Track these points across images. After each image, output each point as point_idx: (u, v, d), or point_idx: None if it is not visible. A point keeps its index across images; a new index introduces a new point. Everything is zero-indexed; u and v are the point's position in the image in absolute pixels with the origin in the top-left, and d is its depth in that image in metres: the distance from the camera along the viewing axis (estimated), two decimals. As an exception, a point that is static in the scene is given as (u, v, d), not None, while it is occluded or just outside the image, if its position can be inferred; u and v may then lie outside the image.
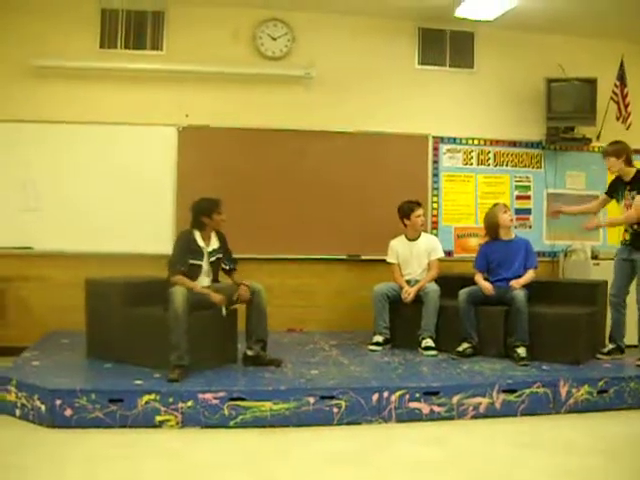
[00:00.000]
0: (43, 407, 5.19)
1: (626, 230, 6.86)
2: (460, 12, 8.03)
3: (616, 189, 6.91)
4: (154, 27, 8.09)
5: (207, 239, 6.31)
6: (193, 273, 6.12)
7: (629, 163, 6.77)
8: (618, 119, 8.62)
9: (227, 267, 6.47)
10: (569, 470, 4.58)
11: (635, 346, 6.88)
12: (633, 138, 8.48)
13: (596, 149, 8.84)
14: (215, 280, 6.39)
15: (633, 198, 6.61)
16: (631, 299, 6.85)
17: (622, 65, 8.58)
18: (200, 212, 6.27)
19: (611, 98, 8.64)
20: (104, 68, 7.94)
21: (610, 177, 7.22)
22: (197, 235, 6.27)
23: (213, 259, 6.31)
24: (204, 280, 6.23)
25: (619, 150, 6.78)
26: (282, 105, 8.32)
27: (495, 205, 7.41)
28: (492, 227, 7.30)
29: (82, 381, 5.67)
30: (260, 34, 8.26)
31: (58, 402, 5.14)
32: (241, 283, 6.24)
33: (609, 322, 7.03)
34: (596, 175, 8.69)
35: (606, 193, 7.07)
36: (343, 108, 8.46)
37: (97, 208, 7.90)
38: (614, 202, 7.02)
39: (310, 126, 8.34)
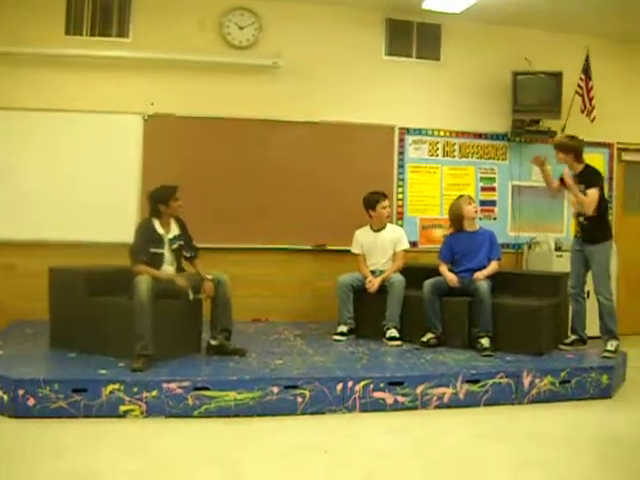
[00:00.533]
0: (5, 397, 5.14)
1: (577, 221, 6.95)
2: (427, 4, 8.07)
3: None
4: (120, 14, 8.02)
5: (167, 226, 6.29)
6: (156, 262, 6.10)
7: (578, 159, 6.82)
8: (583, 112, 8.69)
9: (188, 254, 6.45)
10: (531, 460, 4.63)
11: (598, 337, 6.96)
12: (598, 131, 8.63)
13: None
14: (179, 268, 6.38)
15: (581, 191, 6.66)
16: (592, 289, 6.96)
17: (587, 59, 8.66)
18: (157, 200, 6.25)
19: (576, 92, 8.71)
20: (70, 55, 7.85)
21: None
22: (156, 223, 6.26)
23: (175, 246, 6.29)
24: (168, 269, 6.22)
25: (567, 147, 6.81)
26: (249, 94, 8.28)
27: (460, 197, 7.46)
28: (456, 218, 7.34)
29: (45, 371, 5.64)
30: (227, 23, 8.21)
31: (21, 392, 5.10)
32: (205, 277, 6.22)
33: (571, 314, 7.12)
34: (561, 167, 8.76)
35: (560, 180, 7.08)
36: (310, 98, 8.45)
37: (62, 197, 7.82)
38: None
39: (277, 116, 8.32)
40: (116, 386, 5.21)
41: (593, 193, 6.60)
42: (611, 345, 6.66)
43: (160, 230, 6.24)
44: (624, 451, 4.84)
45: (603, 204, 6.78)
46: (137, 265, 5.98)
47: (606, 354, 6.60)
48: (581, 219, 6.80)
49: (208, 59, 8.18)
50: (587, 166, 6.81)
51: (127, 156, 7.98)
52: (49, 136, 7.86)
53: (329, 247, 8.43)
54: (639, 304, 9.56)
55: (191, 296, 6.08)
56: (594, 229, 6.76)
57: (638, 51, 9.37)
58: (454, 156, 8.94)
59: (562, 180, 6.96)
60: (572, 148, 6.80)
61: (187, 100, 8.12)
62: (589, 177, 6.71)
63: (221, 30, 8.22)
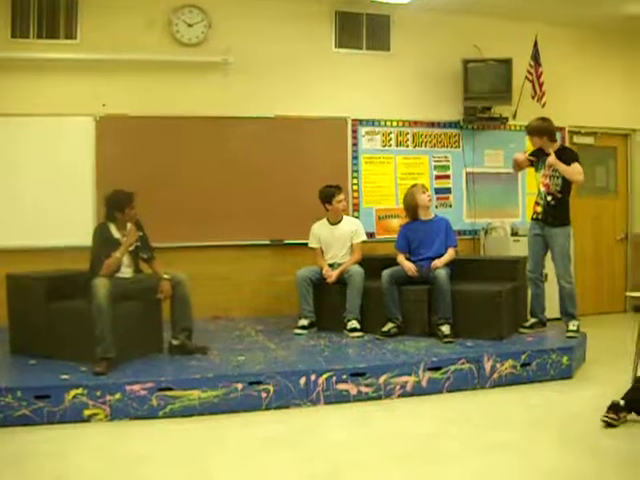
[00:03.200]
0: (-33, 406, 5.10)
1: (537, 203, 7.02)
2: (376, -4, 8.10)
3: (538, 158, 7.03)
4: (67, 15, 7.93)
5: (123, 230, 6.26)
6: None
7: (552, 139, 6.93)
8: (533, 98, 8.80)
9: (145, 256, 6.43)
10: (496, 443, 4.70)
11: (558, 319, 7.05)
12: (549, 116, 8.67)
13: (513, 127, 9.06)
14: (137, 270, 6.36)
15: (555, 170, 6.77)
16: (550, 272, 7.05)
17: (536, 45, 8.75)
18: (112, 206, 6.23)
19: (526, 78, 8.82)
20: (17, 58, 7.75)
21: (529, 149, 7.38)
22: (112, 227, 6.23)
23: (131, 248, 6.25)
24: (126, 271, 6.20)
25: (541, 130, 6.92)
26: (200, 92, 8.25)
27: (413, 186, 7.49)
28: (411, 208, 7.39)
29: (6, 378, 5.54)
30: (176, 20, 8.17)
31: (-18, 401, 5.06)
32: (162, 277, 6.21)
33: (530, 297, 7.20)
34: (513, 153, 8.84)
35: (529, 156, 7.14)
36: (262, 93, 8.44)
37: (14, 202, 7.74)
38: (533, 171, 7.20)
39: (229, 112, 8.30)
40: (79, 391, 5.18)
41: (576, 165, 6.72)
42: (573, 325, 6.81)
43: (116, 234, 6.20)
44: (586, 430, 4.91)
45: (571, 186, 6.88)
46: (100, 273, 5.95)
47: (569, 334, 6.74)
48: (549, 198, 6.86)
49: (158, 58, 8.13)
50: (563, 146, 6.93)
51: (80, 158, 7.90)
52: (-1, 141, 7.78)
53: (287, 241, 8.44)
54: (594, 284, 9.73)
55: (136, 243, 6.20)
56: (558, 212, 6.85)
57: (586, 36, 9.52)
58: (407, 145, 8.99)
59: (530, 161, 7.09)
60: (546, 130, 6.91)
61: (139, 100, 8.06)
62: (567, 154, 6.83)
63: (170, 28, 8.17)
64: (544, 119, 7.04)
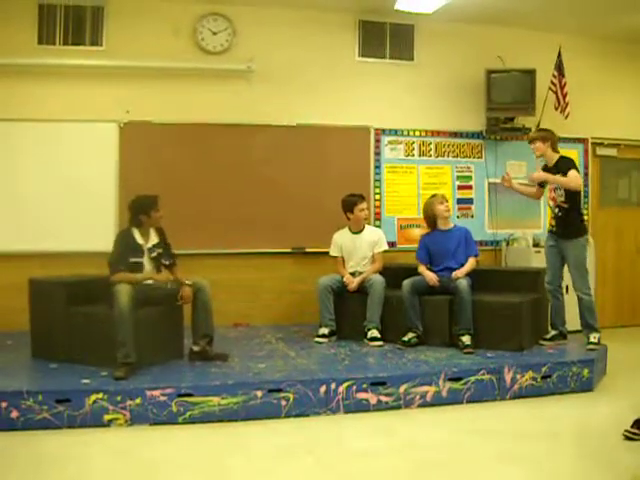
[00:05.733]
0: (-12, 410, 5.14)
1: (552, 217, 7.01)
2: (400, 5, 8.07)
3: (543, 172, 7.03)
4: (93, 22, 7.98)
5: (146, 236, 6.30)
6: (136, 271, 6.10)
7: (554, 148, 6.91)
8: (557, 109, 8.75)
9: (166, 262, 6.44)
10: (516, 455, 4.68)
11: (578, 331, 7.01)
12: (572, 127, 8.70)
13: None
14: (159, 277, 6.38)
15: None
16: (564, 285, 7.05)
17: (560, 56, 8.70)
18: (138, 210, 6.26)
19: (549, 88, 8.77)
20: (43, 65, 7.80)
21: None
22: (136, 233, 6.26)
23: (154, 255, 6.28)
24: (148, 278, 6.24)
25: (545, 135, 6.92)
26: (224, 100, 8.28)
27: (432, 196, 7.51)
28: (430, 218, 7.40)
29: (28, 382, 5.60)
30: (200, 29, 8.21)
31: (4, 404, 5.07)
32: (183, 283, 6.22)
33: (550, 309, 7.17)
34: (536, 164, 8.83)
35: (537, 184, 7.19)
36: (285, 101, 8.45)
37: (38, 207, 7.78)
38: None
39: (252, 120, 8.32)
40: (99, 395, 5.21)
41: (572, 172, 6.66)
42: (594, 337, 6.76)
43: (139, 240, 6.23)
44: (605, 443, 4.88)
45: (578, 196, 6.86)
46: (115, 275, 5.97)
47: (590, 346, 6.69)
48: (557, 210, 6.85)
49: (182, 65, 8.17)
50: (562, 156, 6.88)
51: (104, 164, 7.94)
52: (24, 147, 7.81)
53: (308, 250, 8.44)
54: (615, 297, 9.67)
55: (169, 285, 6.13)
56: (569, 223, 6.82)
57: (610, 47, 9.44)
58: (430, 155, 8.98)
59: (538, 184, 7.08)
60: (549, 136, 6.90)
61: (163, 107, 8.09)
62: (565, 164, 6.77)
63: (195, 36, 8.21)
64: (545, 128, 7.17)
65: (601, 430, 5.18)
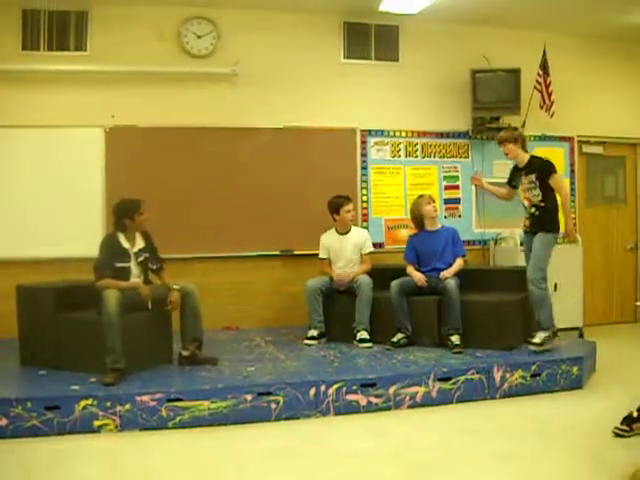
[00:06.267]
0: (-23, 418, 5.11)
1: (526, 217, 6.89)
2: (384, 6, 8.10)
3: (514, 177, 6.99)
4: (77, 27, 7.96)
5: (132, 240, 6.28)
6: (122, 276, 6.08)
7: (524, 148, 6.84)
8: (542, 107, 8.77)
9: (153, 267, 6.43)
10: (506, 454, 4.70)
11: (570, 329, 7.00)
12: (558, 125, 8.73)
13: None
14: (146, 281, 6.35)
15: (531, 182, 6.67)
16: (552, 283, 7.01)
17: (544, 54, 8.72)
18: (122, 214, 6.24)
19: (535, 87, 8.79)
20: (27, 70, 7.79)
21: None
22: (121, 237, 6.24)
23: (141, 259, 6.27)
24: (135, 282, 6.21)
25: (515, 136, 6.82)
26: (209, 103, 8.27)
27: (419, 197, 7.52)
28: (417, 219, 7.43)
29: (17, 389, 5.57)
30: (185, 32, 8.20)
31: (-7, 412, 5.07)
32: (171, 288, 6.21)
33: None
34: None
35: (508, 183, 7.12)
36: (270, 104, 8.44)
37: (24, 213, 7.76)
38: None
39: (238, 123, 8.31)
40: (89, 401, 5.20)
41: (556, 179, 6.62)
42: (539, 337, 6.54)
43: (125, 244, 6.22)
44: (594, 441, 4.90)
45: (554, 195, 6.72)
46: (101, 280, 5.96)
47: (532, 347, 6.52)
48: (533, 210, 6.74)
49: (167, 69, 8.16)
50: (533, 156, 6.83)
51: (90, 169, 7.91)
52: (8, 153, 7.79)
53: (296, 252, 8.44)
54: (603, 294, 9.71)
55: (149, 306, 6.08)
56: (545, 219, 6.66)
57: (595, 45, 9.49)
58: (417, 156, 8.99)
59: (509, 183, 7.05)
60: (519, 135, 6.84)
61: (148, 111, 8.08)
62: (540, 167, 6.67)
63: (179, 40, 8.20)
64: (513, 127, 7.21)
65: (591, 427, 5.19)
